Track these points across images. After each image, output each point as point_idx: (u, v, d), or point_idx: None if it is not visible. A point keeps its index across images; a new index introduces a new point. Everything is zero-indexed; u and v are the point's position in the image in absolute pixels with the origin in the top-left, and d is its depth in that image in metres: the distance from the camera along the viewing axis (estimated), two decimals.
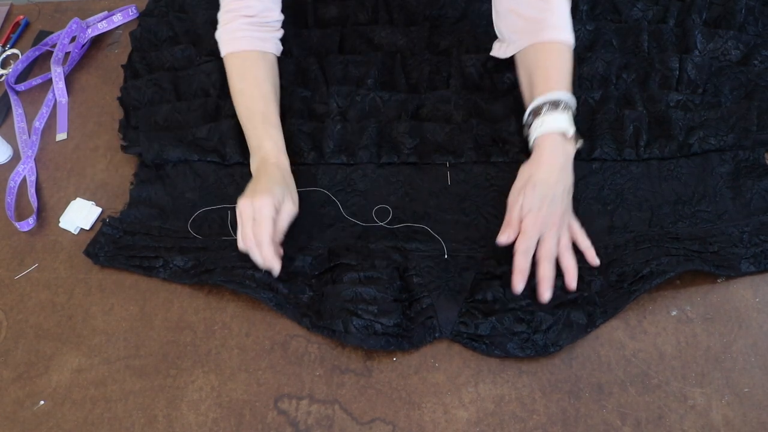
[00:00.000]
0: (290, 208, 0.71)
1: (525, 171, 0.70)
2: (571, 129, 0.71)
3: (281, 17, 0.83)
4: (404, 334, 0.67)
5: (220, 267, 0.72)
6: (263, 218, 0.68)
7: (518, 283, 0.66)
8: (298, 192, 0.75)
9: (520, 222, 0.68)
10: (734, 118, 0.78)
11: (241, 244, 0.69)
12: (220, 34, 0.82)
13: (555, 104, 0.71)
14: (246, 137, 0.79)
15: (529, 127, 0.73)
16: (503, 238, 0.69)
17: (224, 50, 0.82)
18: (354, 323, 0.66)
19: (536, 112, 0.72)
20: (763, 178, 0.74)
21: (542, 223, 0.67)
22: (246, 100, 0.79)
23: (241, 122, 0.79)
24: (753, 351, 0.65)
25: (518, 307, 0.66)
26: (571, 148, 0.71)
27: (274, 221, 0.69)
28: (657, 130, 0.79)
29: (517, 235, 0.68)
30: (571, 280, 0.67)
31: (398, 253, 0.73)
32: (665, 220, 0.73)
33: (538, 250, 0.67)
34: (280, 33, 0.84)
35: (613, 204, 0.75)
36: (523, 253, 0.67)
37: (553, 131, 0.70)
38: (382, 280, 0.69)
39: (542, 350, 0.65)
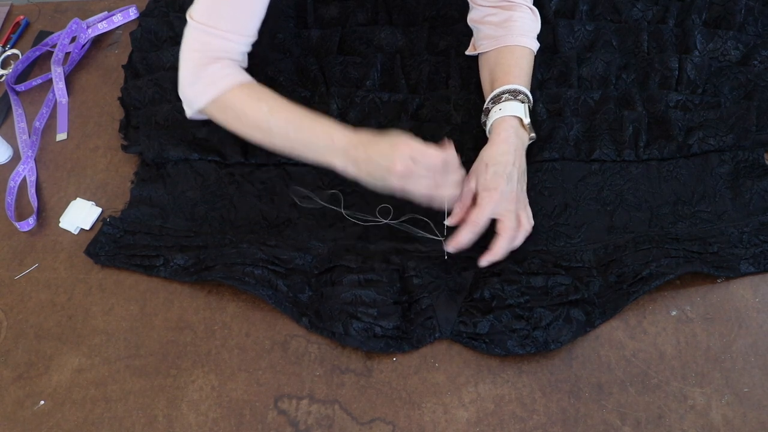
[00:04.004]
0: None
1: (483, 153, 0.73)
2: (527, 118, 0.74)
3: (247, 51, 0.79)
4: (404, 337, 0.67)
5: (220, 264, 0.72)
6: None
7: (450, 248, 0.70)
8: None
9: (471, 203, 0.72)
10: (734, 118, 0.78)
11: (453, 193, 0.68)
12: (201, 79, 0.74)
13: (514, 93, 0.75)
14: (302, 146, 0.72)
15: (487, 114, 0.76)
16: (452, 221, 0.72)
17: (218, 90, 0.74)
18: (354, 326, 0.66)
19: (496, 99, 0.75)
20: (763, 178, 0.74)
21: (498, 200, 0.69)
22: (282, 114, 0.73)
23: (283, 138, 0.73)
24: (753, 351, 0.65)
25: (516, 303, 0.67)
26: (525, 136, 0.75)
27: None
28: (656, 130, 0.79)
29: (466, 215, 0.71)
30: (499, 259, 0.69)
31: (398, 254, 0.73)
32: (665, 221, 0.73)
33: (499, 227, 0.69)
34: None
35: (613, 204, 0.75)
36: (473, 225, 0.69)
37: (510, 115, 0.73)
38: (381, 282, 0.69)
39: (543, 346, 0.65)
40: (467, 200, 0.72)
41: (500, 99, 0.75)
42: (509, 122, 0.73)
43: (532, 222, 0.72)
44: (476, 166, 0.72)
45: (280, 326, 0.71)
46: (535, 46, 0.80)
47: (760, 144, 0.77)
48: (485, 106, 0.77)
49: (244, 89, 0.75)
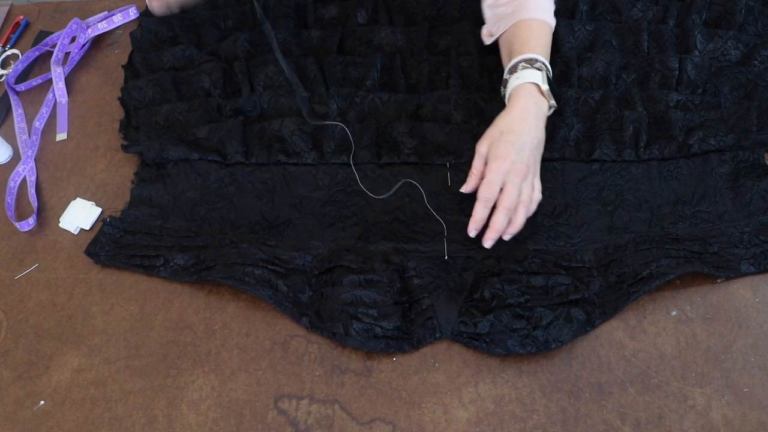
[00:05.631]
0: None
1: (499, 119, 0.72)
2: (544, 84, 0.73)
3: None
4: (404, 337, 0.67)
5: (220, 263, 0.72)
6: None
7: (471, 231, 0.70)
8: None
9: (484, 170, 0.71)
10: (734, 118, 0.78)
11: None
12: None
13: (530, 61, 0.74)
14: None
15: (505, 86, 0.76)
16: (467, 188, 0.72)
17: None
18: (354, 326, 0.66)
19: (512, 69, 0.75)
20: (763, 178, 0.74)
21: (507, 170, 0.69)
22: None
23: None
24: (753, 351, 0.65)
25: (516, 303, 0.67)
26: (544, 104, 0.74)
27: None
28: (657, 130, 0.79)
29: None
30: (499, 234, 0.69)
31: (398, 254, 0.73)
32: (665, 221, 0.73)
33: (499, 198, 0.69)
34: None
35: (613, 205, 0.75)
36: (483, 201, 0.69)
37: (527, 82, 0.73)
38: (382, 282, 0.69)
39: (543, 346, 0.65)
40: (479, 165, 0.72)
41: (516, 68, 0.74)
42: (527, 89, 0.73)
43: (539, 196, 0.71)
44: (491, 132, 0.72)
45: (280, 326, 0.71)
46: (553, 21, 0.79)
47: (760, 144, 0.77)
48: (503, 77, 0.76)
49: None
